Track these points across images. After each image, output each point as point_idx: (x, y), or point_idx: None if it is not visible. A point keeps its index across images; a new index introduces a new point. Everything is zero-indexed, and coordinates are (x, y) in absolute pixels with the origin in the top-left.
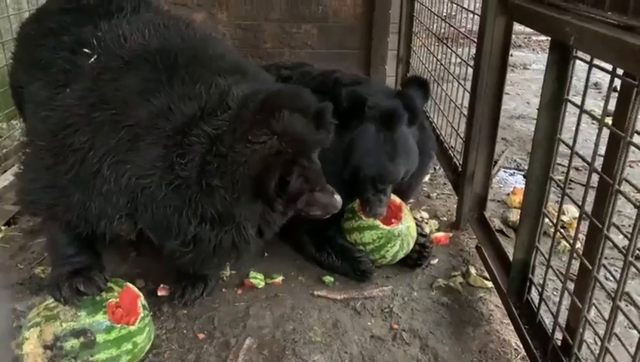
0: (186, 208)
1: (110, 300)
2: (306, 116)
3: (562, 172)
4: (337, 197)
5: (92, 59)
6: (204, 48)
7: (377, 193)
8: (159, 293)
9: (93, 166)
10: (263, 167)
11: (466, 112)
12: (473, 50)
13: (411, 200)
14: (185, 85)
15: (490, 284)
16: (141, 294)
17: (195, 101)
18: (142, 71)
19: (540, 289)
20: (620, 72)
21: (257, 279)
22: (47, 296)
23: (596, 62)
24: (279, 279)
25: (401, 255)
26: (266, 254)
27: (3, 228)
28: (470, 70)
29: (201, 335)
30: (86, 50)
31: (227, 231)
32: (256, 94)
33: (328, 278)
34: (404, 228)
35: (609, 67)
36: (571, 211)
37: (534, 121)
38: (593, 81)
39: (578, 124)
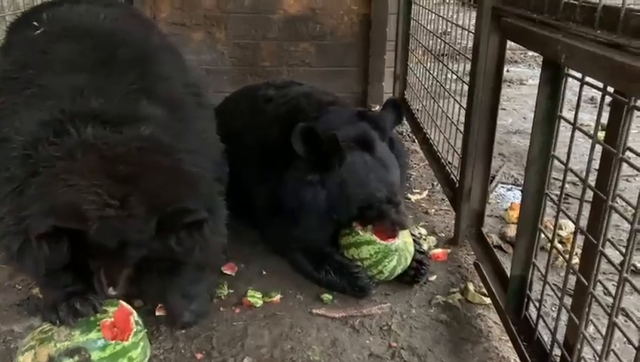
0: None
1: (104, 320)
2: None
3: (559, 187)
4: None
5: (39, 31)
6: (151, 60)
7: (397, 207)
8: (157, 313)
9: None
10: (61, 209)
11: (462, 128)
12: (469, 67)
13: (409, 217)
14: (108, 80)
15: (488, 301)
16: (134, 311)
17: (104, 101)
18: (78, 45)
19: (537, 306)
20: (611, 89)
21: (255, 298)
22: (42, 322)
23: (588, 79)
24: (277, 297)
25: (398, 270)
26: (264, 272)
27: None
28: (466, 86)
29: (199, 355)
30: (35, 24)
31: None
32: (154, 141)
33: (327, 296)
34: (401, 243)
35: (601, 84)
36: (569, 226)
37: None
38: (589, 96)
39: (571, 141)
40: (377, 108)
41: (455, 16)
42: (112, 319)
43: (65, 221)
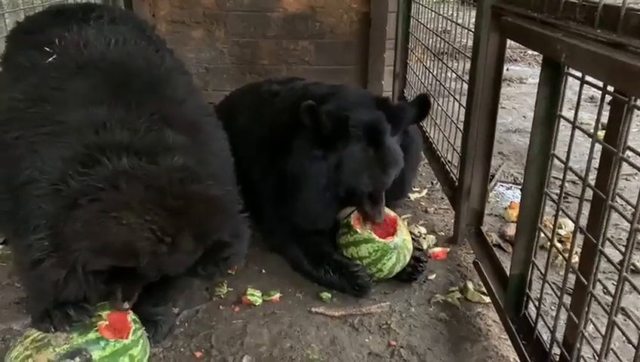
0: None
1: (100, 323)
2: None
3: (559, 186)
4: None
5: (51, 58)
6: (163, 83)
7: (375, 204)
8: None
9: (17, 161)
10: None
11: (462, 127)
12: (468, 65)
13: (409, 215)
14: (128, 111)
15: (488, 299)
16: (130, 310)
17: (129, 133)
18: (91, 78)
19: (537, 304)
20: (611, 88)
21: (255, 296)
22: (30, 332)
23: (588, 78)
24: (277, 296)
25: (397, 268)
26: (263, 271)
27: (0, 246)
28: (466, 85)
29: (198, 354)
30: (47, 49)
31: None
32: (190, 172)
33: (326, 295)
34: (400, 240)
35: (601, 83)
36: (569, 225)
37: None
38: (589, 95)
39: (571, 140)
40: None
41: (455, 15)
42: (107, 322)
43: (122, 260)
